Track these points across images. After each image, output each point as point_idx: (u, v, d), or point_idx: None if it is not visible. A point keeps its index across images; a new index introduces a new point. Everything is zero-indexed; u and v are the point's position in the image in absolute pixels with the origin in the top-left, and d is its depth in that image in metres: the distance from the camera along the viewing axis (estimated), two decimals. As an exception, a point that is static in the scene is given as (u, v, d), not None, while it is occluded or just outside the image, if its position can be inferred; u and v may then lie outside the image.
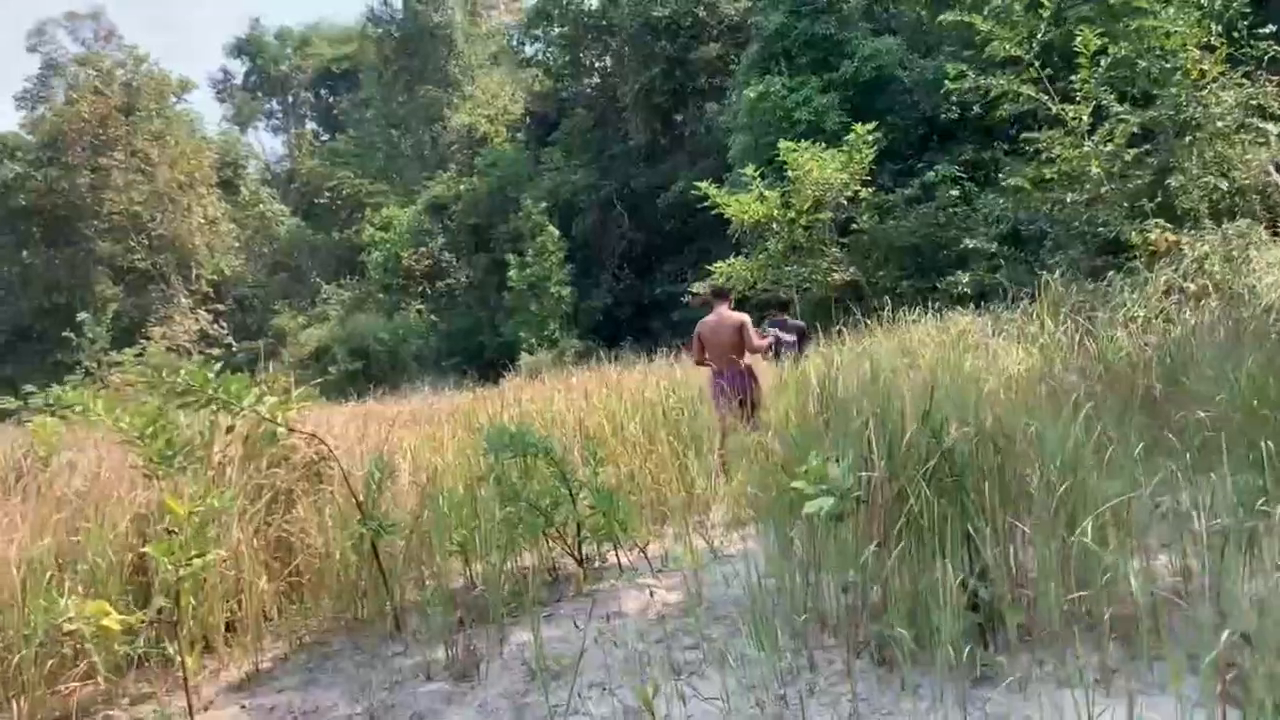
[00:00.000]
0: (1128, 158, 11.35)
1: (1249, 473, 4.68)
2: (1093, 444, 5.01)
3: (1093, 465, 4.78)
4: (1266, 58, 11.41)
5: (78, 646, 5.31)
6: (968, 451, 4.53)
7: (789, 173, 17.45)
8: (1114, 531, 4.51)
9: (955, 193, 18.71)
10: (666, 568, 6.86)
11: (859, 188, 17.48)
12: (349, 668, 5.57)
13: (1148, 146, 11.66)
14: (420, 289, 39.28)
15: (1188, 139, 11.72)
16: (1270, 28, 11.25)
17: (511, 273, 29.36)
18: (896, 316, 12.24)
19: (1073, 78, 11.91)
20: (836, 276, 17.16)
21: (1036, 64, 12.15)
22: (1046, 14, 12.02)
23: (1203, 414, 6.03)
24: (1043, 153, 12.35)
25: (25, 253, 40.40)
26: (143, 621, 5.22)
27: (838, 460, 4.81)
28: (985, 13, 12.72)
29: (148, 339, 27.93)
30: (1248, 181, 11.24)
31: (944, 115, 20.35)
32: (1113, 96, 12.24)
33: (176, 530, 5.17)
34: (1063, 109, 11.87)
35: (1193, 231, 11.09)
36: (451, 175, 39.65)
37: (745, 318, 9.41)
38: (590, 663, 4.85)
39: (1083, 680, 3.75)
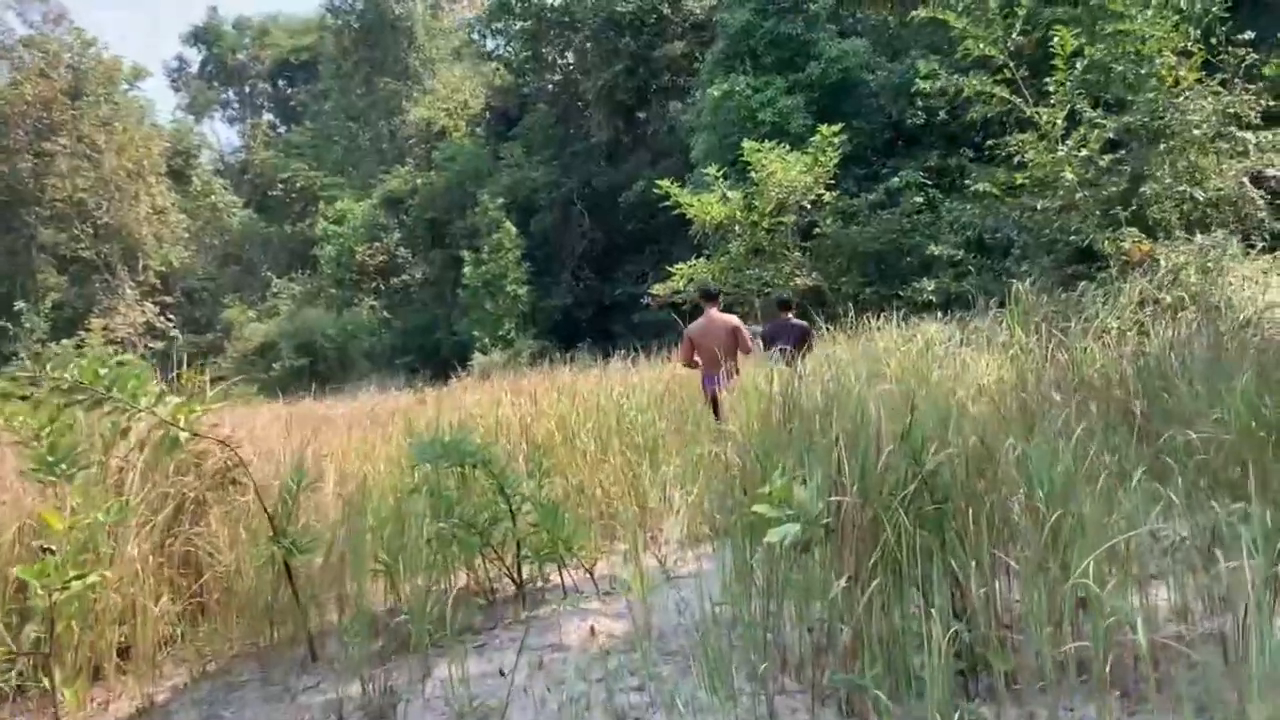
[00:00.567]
0: (1102, 164, 10.99)
1: (1258, 502, 4.23)
2: (1084, 469, 4.55)
3: (1084, 493, 4.30)
4: (1243, 65, 11.11)
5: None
6: (950, 476, 4.04)
7: (752, 174, 17.00)
8: (1109, 567, 4.03)
9: (920, 199, 18.38)
10: (614, 590, 6.31)
11: (823, 191, 17.06)
12: (255, 701, 4.97)
13: (1122, 153, 11.30)
14: (374, 285, 38.41)
15: (1161, 147, 11.39)
16: (1249, 34, 10.95)
17: (467, 269, 28.64)
18: (860, 323, 11.80)
19: (1047, 80, 11.54)
20: (799, 281, 16.73)
21: (1011, 65, 11.77)
22: (1022, 12, 11.63)
23: (1193, 435, 5.59)
24: (1014, 157, 11.97)
25: (-39, 239, 39.03)
26: (12, 653, 4.59)
27: (804, 481, 4.29)
28: (959, 10, 12.31)
29: (88, 330, 26.84)
30: (1222, 192, 10.92)
31: (910, 120, 20.05)
32: (1086, 102, 11.90)
33: (52, 549, 4.54)
34: (1036, 112, 11.49)
35: (1166, 242, 10.75)
36: (409, 169, 38.82)
37: (737, 320, 9.41)
38: (521, 706, 4.29)
39: (1081, 741, 3.26)
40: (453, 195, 31.89)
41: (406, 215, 36.24)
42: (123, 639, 5.44)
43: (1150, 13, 10.98)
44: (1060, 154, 11.18)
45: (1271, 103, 11.32)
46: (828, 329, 11.71)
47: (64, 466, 5.06)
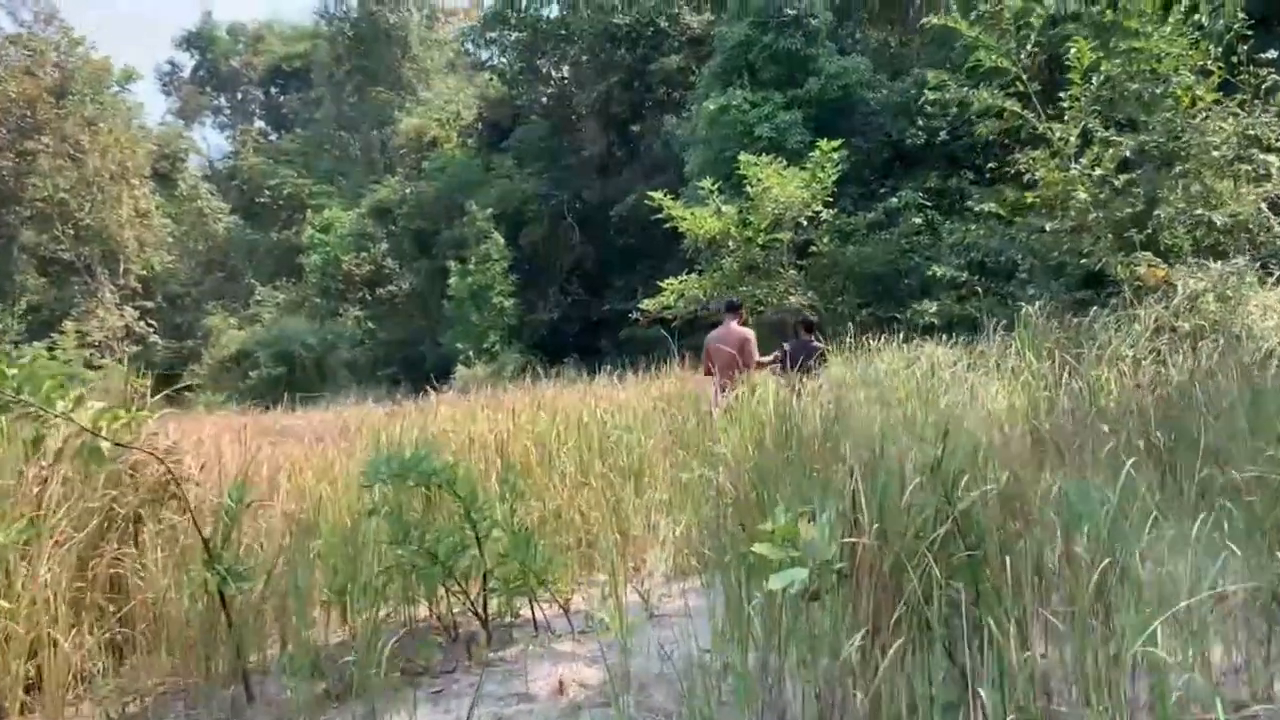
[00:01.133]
0: (1118, 184, 10.48)
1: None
2: (1132, 511, 3.97)
3: (1133, 539, 3.72)
4: (1264, 86, 10.63)
5: None
6: (983, 517, 3.45)
7: (748, 188, 16.47)
8: (1166, 628, 3.44)
9: (919, 220, 17.89)
10: (591, 629, 5.70)
11: (821, 208, 16.54)
12: (178, 753, 4.33)
13: (1137, 173, 10.80)
14: (360, 295, 37.79)
15: (1176, 169, 10.89)
16: (1272, 53, 10.48)
17: (453, 280, 28.02)
18: (858, 344, 11.25)
19: (1061, 94, 11.05)
20: (793, 300, 16.17)
21: (1023, 78, 11.27)
22: (1039, 22, 11.14)
23: (1236, 474, 5.03)
24: (1024, 175, 11.45)
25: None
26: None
27: (812, 518, 3.69)
28: (971, 19, 11.82)
29: (61, 333, 26.06)
30: (1240, 217, 10.41)
31: (910, 140, 19.60)
32: (1097, 121, 11.40)
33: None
34: (1049, 128, 10.97)
35: (1180, 267, 10.23)
36: (399, 179, 38.26)
37: (749, 334, 9.70)
38: (475, 776, 3.67)
39: None
40: (441, 205, 31.33)
41: (395, 225, 35.66)
42: (30, 675, 4.80)
43: (1168, 29, 10.49)
44: (1073, 173, 10.66)
45: (1294, 125, 10.86)
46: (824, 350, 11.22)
47: (-38, 478, 4.43)
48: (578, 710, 4.23)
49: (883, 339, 11.27)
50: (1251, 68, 10.58)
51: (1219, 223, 10.17)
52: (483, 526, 5.36)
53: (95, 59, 42.66)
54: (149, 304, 42.81)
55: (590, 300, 29.37)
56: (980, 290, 13.11)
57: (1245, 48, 10.48)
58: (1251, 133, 10.44)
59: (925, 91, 12.24)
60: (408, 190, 35.28)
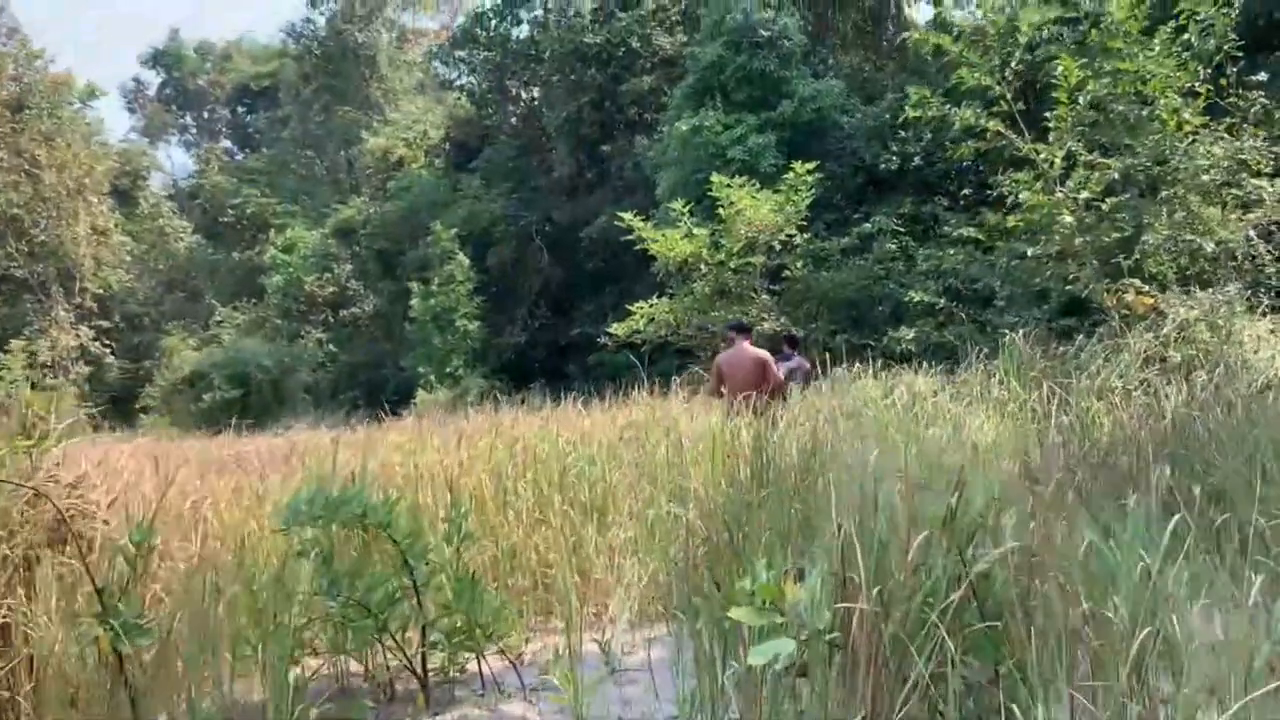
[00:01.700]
0: (1105, 207, 10.08)
1: None
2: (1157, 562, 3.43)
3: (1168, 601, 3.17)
4: (1252, 110, 10.31)
5: None
6: (1001, 578, 2.90)
7: (720, 210, 16.02)
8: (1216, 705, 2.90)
9: (893, 246, 17.51)
10: (545, 686, 5.11)
11: (795, 232, 16.10)
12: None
13: (1123, 198, 10.42)
14: (323, 317, 36.94)
15: (1163, 194, 10.52)
16: (1262, 76, 10.16)
17: (415, 301, 27.30)
18: (831, 372, 10.75)
19: (1046, 115, 10.66)
20: (766, 326, 15.68)
21: (1008, 97, 10.88)
22: (1024, 39, 10.76)
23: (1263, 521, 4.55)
24: (1008, 198, 11.04)
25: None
26: None
27: (799, 576, 3.13)
28: (956, 35, 11.43)
29: (7, 352, 25.14)
30: (1230, 244, 10.04)
31: (884, 165, 19.30)
32: (1081, 144, 11.03)
33: None
34: (1034, 149, 10.57)
35: (1168, 295, 9.84)
36: (364, 199, 37.56)
37: (767, 354, 9.70)
38: None
39: None
40: (406, 225, 30.65)
41: (358, 246, 34.94)
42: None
43: (1156, 48, 10.14)
44: (1058, 196, 10.26)
45: (1285, 149, 10.54)
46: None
47: None
48: (523, 796, 3.64)
49: (858, 367, 10.80)
50: (1241, 90, 10.25)
51: (1208, 249, 9.79)
52: (422, 573, 4.75)
53: (54, 73, 41.76)
54: (106, 324, 41.74)
55: (558, 324, 28.78)
56: (953, 317, 12.69)
57: (1235, 70, 10.15)
58: (1241, 157, 10.10)
59: (906, 109, 11.84)
60: (372, 210, 34.58)
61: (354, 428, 14.49)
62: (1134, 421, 7.75)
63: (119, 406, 35.92)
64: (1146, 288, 9.91)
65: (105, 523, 5.39)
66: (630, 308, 17.67)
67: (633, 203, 19.83)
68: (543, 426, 9.86)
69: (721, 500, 6.89)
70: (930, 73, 18.45)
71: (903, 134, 19.29)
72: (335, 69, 47.71)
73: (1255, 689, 2.85)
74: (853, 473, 4.34)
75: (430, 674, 5.04)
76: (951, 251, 13.92)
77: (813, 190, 16.13)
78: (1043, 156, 10.52)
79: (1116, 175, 10.12)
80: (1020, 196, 10.66)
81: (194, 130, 70.14)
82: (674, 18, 27.36)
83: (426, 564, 5.14)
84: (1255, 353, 9.38)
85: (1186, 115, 10.54)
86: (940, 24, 12.69)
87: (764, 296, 16.47)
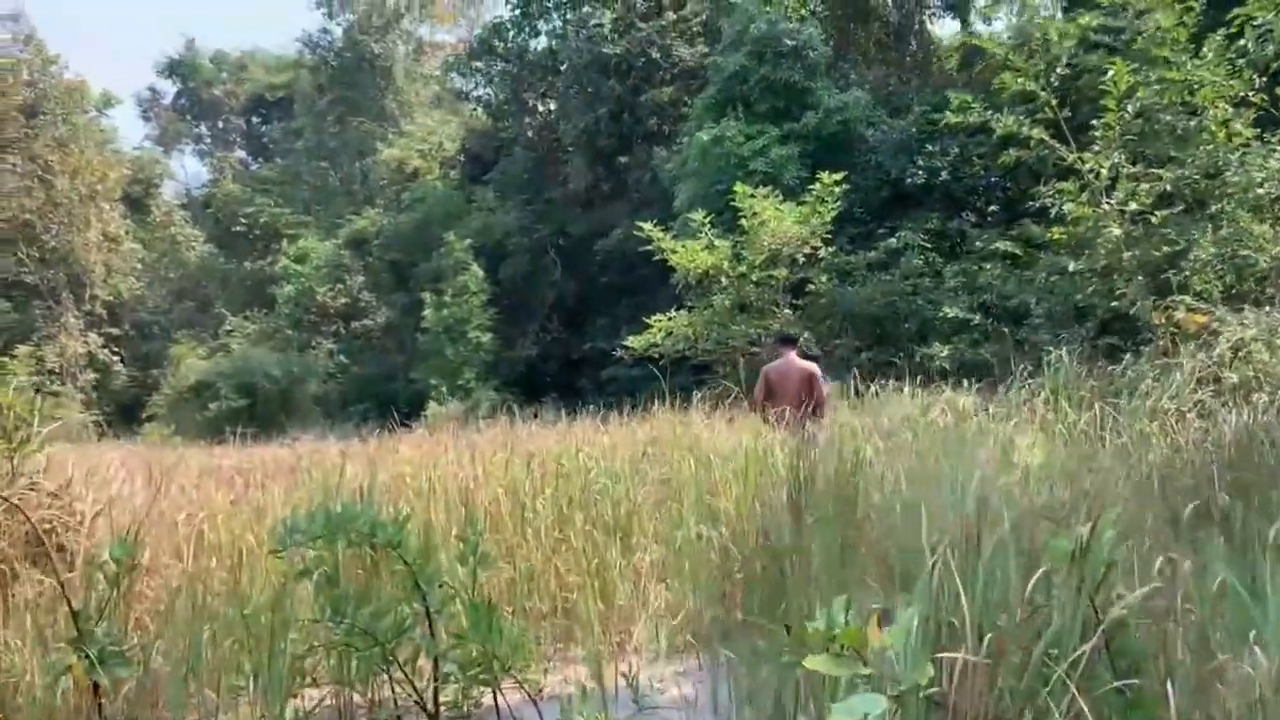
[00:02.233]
0: (1155, 219, 9.59)
1: None
2: None
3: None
4: (1306, 117, 9.82)
5: None
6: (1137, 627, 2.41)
7: (743, 220, 15.56)
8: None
9: (919, 261, 17.03)
10: (566, 722, 4.59)
11: (820, 245, 15.63)
12: None
13: (1174, 210, 9.93)
14: (334, 328, 36.60)
15: (1213, 208, 10.03)
16: (1319, 83, 9.70)
17: (428, 313, 26.89)
18: (860, 390, 10.29)
19: (1093, 123, 10.19)
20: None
21: (1053, 103, 10.40)
22: (1070, 42, 10.29)
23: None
24: (1051, 209, 10.56)
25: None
26: None
27: (882, 618, 2.64)
28: (1000, 38, 10.97)
29: (13, 357, 24.81)
30: (1280, 261, 9.53)
31: (910, 180, 18.85)
32: (1123, 156, 10.55)
33: None
34: (1079, 157, 10.09)
35: (1222, 312, 9.33)
36: (378, 210, 37.27)
37: (815, 368, 9.45)
38: None
39: None
40: (420, 236, 30.30)
41: (371, 257, 34.60)
42: None
43: (1210, 55, 9.66)
44: (1105, 207, 9.77)
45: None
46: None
47: None
48: None
49: (891, 384, 10.33)
50: (1299, 98, 9.78)
51: (1263, 265, 9.29)
52: (435, 598, 4.28)
53: (69, 79, 41.66)
54: (115, 331, 41.46)
55: (570, 338, 28.35)
56: (995, 333, 12.20)
57: (1292, 76, 9.69)
58: (1297, 170, 9.60)
59: (946, 114, 11.38)
60: (385, 221, 34.25)
61: (364, 439, 14.04)
62: (1191, 446, 7.26)
63: (127, 415, 35.60)
64: (1198, 305, 9.40)
65: (89, 536, 4.95)
66: (648, 320, 17.21)
67: (650, 215, 19.41)
68: (560, 441, 9.39)
69: (756, 523, 6.42)
70: (957, 86, 18.05)
71: (929, 148, 18.86)
72: (351, 80, 47.56)
73: None
74: (927, 497, 3.87)
75: (442, 708, 4.56)
76: (987, 266, 13.43)
77: (839, 202, 15.68)
78: (1088, 166, 10.04)
79: (1169, 186, 9.63)
80: (1064, 208, 10.18)
81: (208, 140, 70.14)
82: (695, 28, 27.01)
83: (440, 587, 4.66)
84: (1317, 374, 8.87)
85: (1238, 126, 10.06)
86: (966, 40, 12.25)
87: (786, 311, 15.99)
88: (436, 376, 26.22)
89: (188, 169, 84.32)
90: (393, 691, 4.68)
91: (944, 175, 18.68)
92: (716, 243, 15.96)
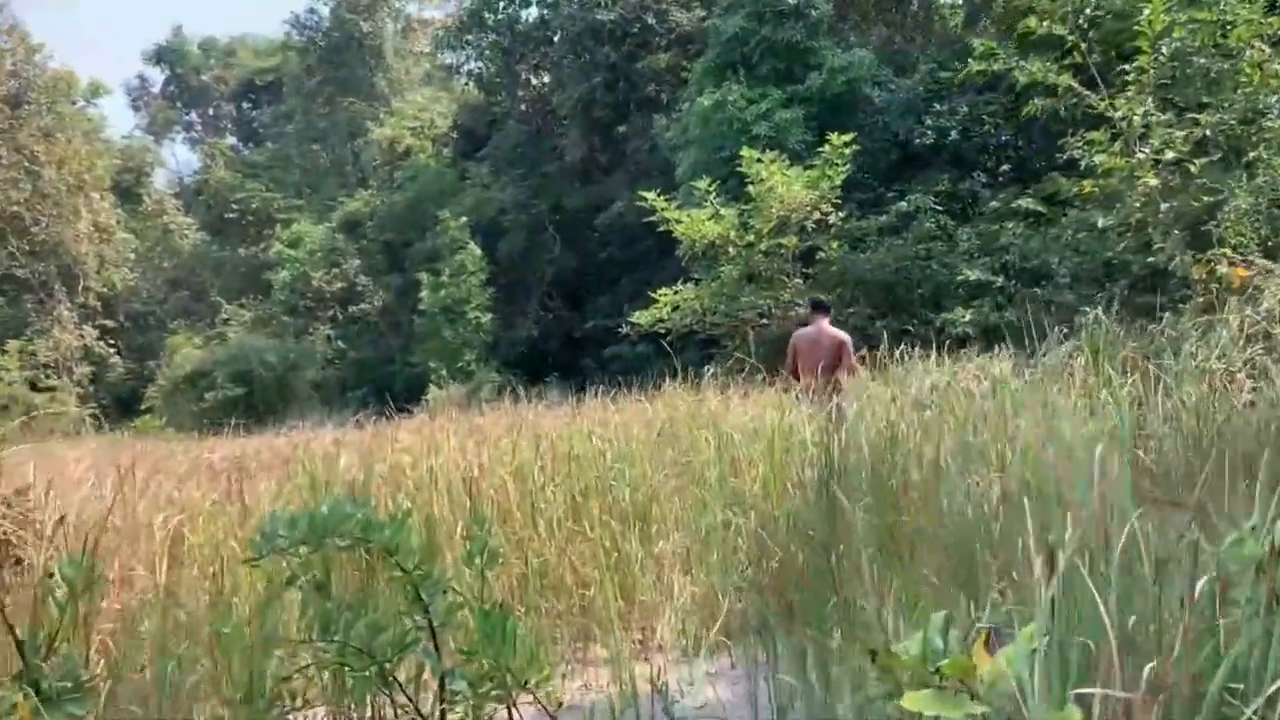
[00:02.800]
0: (1194, 168, 9.01)
1: None
2: None
3: None
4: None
5: None
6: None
7: (750, 187, 14.97)
8: None
9: (931, 224, 16.45)
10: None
11: (830, 210, 15.04)
12: None
13: (1213, 158, 9.34)
14: (331, 313, 36.02)
15: (1251, 155, 9.44)
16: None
17: (424, 293, 26.32)
18: (879, 359, 9.77)
19: (1124, 67, 9.60)
20: (800, 311, 14.64)
21: (1082, 48, 9.79)
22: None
23: None
24: (1081, 161, 9.96)
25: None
26: None
27: (990, 637, 2.11)
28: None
29: (4, 352, 24.29)
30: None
31: (918, 140, 18.24)
32: (1154, 103, 9.94)
33: None
34: (1111, 103, 9.49)
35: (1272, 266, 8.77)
36: (371, 192, 36.62)
37: (846, 336, 9.19)
38: None
39: None
40: (413, 215, 29.67)
41: (365, 239, 33.98)
42: None
43: (1245, -12, 9.05)
44: (1140, 157, 9.19)
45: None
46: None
47: None
48: None
49: (912, 352, 9.80)
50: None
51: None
52: (439, 609, 3.76)
53: (54, 68, 40.95)
54: (110, 323, 40.93)
55: (572, 316, 27.79)
56: (1018, 295, 11.64)
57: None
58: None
59: (970, 62, 10.79)
60: (379, 202, 33.62)
61: (362, 426, 13.54)
62: (1249, 409, 6.70)
63: (125, 407, 35.13)
64: (1239, 258, 8.84)
65: (51, 545, 4.44)
66: (653, 295, 16.65)
67: (650, 186, 18.80)
68: (568, 422, 8.86)
69: (786, 508, 5.91)
70: (962, 44, 17.45)
71: (938, 107, 18.25)
72: (340, 60, 46.80)
73: None
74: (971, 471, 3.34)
75: (448, 732, 4.03)
76: (1009, 225, 12.86)
77: (849, 164, 15.09)
78: (1120, 114, 9.44)
79: (1208, 132, 9.04)
80: (1094, 159, 9.58)
81: (199, 127, 69.40)
82: (691, -8, 26.29)
83: (445, 592, 4.13)
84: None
85: (1276, 67, 9.45)
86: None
87: (796, 280, 15.43)
88: (436, 359, 25.69)
89: (179, 158, 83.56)
90: (395, 712, 4.17)
91: (953, 135, 18.08)
92: (722, 211, 15.38)
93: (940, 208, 16.99)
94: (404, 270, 30.27)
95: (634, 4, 25.09)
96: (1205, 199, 8.83)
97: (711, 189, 15.72)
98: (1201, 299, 9.00)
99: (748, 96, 18.24)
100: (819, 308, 9.65)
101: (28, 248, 37.29)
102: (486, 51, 31.28)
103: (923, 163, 18.47)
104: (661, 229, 16.58)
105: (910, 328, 14.10)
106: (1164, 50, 9.30)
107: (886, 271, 15.49)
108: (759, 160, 14.89)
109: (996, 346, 9.79)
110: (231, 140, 65.89)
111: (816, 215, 15.17)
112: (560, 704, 4.44)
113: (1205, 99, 9.95)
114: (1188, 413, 6.94)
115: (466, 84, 34.51)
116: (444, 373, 24.61)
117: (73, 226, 37.67)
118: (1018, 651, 2.01)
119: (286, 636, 4.12)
